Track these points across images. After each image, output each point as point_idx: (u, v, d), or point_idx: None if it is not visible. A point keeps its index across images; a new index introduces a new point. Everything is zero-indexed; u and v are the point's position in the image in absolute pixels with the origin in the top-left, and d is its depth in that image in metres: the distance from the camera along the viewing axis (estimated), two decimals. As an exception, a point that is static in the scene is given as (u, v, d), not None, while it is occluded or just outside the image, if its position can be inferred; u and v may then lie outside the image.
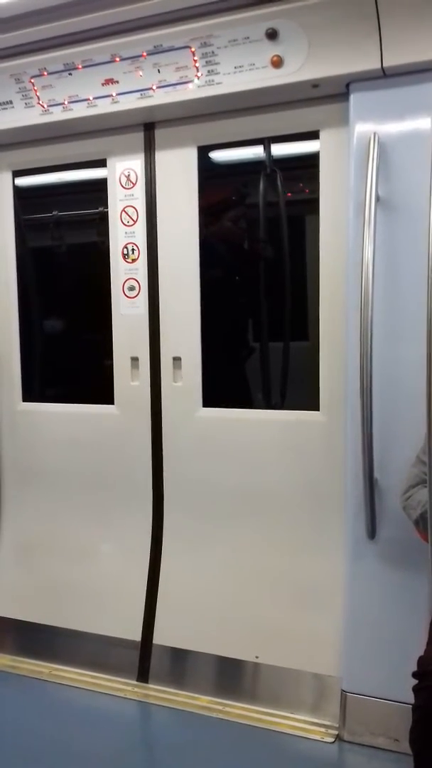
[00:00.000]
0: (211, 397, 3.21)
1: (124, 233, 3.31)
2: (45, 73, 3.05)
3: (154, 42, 2.81)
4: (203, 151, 3.14)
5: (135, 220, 3.28)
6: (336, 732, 2.73)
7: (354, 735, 2.69)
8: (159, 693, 3.08)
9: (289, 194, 3.10)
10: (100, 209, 3.40)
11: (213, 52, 2.74)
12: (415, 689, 1.97)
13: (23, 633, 3.50)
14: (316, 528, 2.97)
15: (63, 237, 3.65)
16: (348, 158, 2.67)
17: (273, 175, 3.08)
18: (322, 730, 2.76)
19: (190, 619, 3.18)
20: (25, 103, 3.16)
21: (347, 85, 2.65)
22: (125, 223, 3.31)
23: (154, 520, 3.35)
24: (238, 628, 3.06)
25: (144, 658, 3.20)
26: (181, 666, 3.15)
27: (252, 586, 3.08)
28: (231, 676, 3.03)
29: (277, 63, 2.65)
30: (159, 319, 3.26)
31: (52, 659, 3.36)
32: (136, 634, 3.24)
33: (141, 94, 2.94)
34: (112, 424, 3.41)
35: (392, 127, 2.58)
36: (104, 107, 3.03)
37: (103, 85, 2.99)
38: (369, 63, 2.52)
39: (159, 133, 3.19)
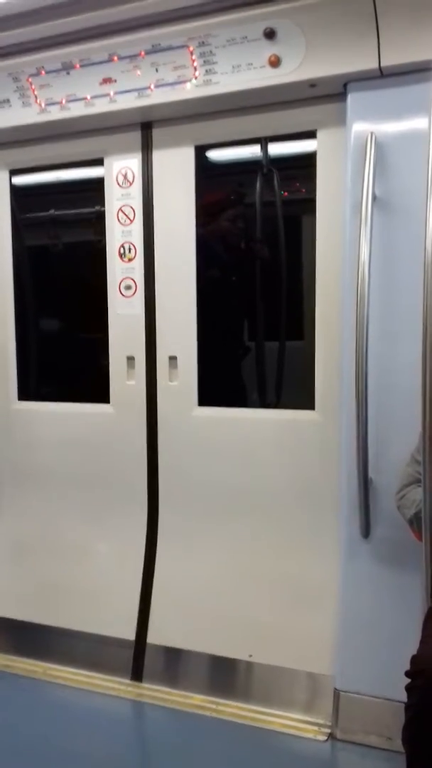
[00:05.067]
0: (207, 397, 3.21)
1: (120, 232, 3.31)
2: (42, 72, 3.05)
3: (152, 41, 2.82)
4: (200, 151, 3.14)
5: (132, 219, 3.29)
6: (329, 730, 2.73)
7: (347, 733, 2.69)
8: (153, 692, 3.08)
9: (286, 194, 3.11)
10: (97, 208, 3.40)
11: (211, 52, 2.75)
12: (408, 688, 1.96)
13: (17, 632, 3.49)
14: (311, 527, 2.97)
15: (59, 236, 3.65)
16: (345, 158, 2.68)
17: (270, 175, 3.09)
18: (315, 728, 2.76)
19: (184, 618, 3.17)
20: (23, 102, 3.17)
21: (345, 85, 2.66)
22: (122, 222, 3.31)
23: (149, 519, 3.34)
24: (232, 626, 3.06)
25: (138, 657, 3.20)
26: (174, 665, 3.14)
27: (246, 585, 3.08)
28: (224, 674, 3.03)
29: (275, 62, 2.65)
30: (155, 319, 3.27)
31: (46, 658, 3.35)
32: (130, 633, 3.23)
33: (139, 93, 2.95)
34: (108, 423, 3.41)
35: (389, 127, 2.59)
36: (102, 106, 3.03)
37: (100, 84, 2.99)
38: (366, 63, 2.52)
39: (156, 133, 3.20)
